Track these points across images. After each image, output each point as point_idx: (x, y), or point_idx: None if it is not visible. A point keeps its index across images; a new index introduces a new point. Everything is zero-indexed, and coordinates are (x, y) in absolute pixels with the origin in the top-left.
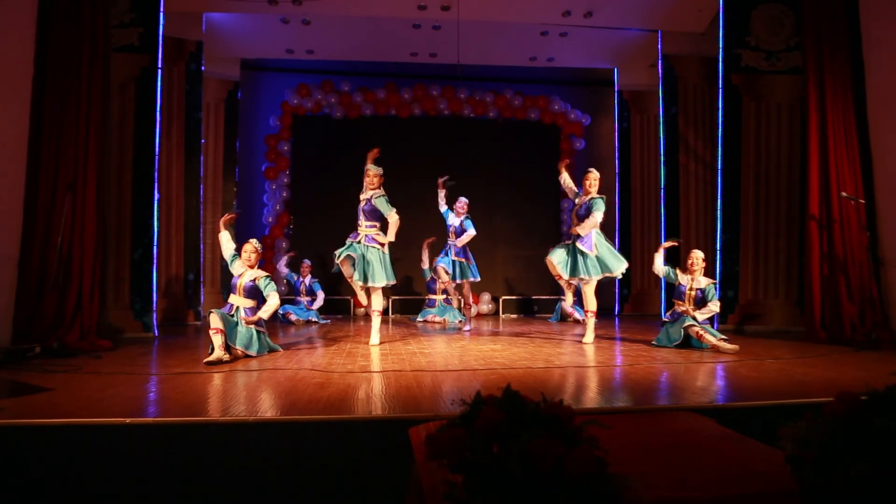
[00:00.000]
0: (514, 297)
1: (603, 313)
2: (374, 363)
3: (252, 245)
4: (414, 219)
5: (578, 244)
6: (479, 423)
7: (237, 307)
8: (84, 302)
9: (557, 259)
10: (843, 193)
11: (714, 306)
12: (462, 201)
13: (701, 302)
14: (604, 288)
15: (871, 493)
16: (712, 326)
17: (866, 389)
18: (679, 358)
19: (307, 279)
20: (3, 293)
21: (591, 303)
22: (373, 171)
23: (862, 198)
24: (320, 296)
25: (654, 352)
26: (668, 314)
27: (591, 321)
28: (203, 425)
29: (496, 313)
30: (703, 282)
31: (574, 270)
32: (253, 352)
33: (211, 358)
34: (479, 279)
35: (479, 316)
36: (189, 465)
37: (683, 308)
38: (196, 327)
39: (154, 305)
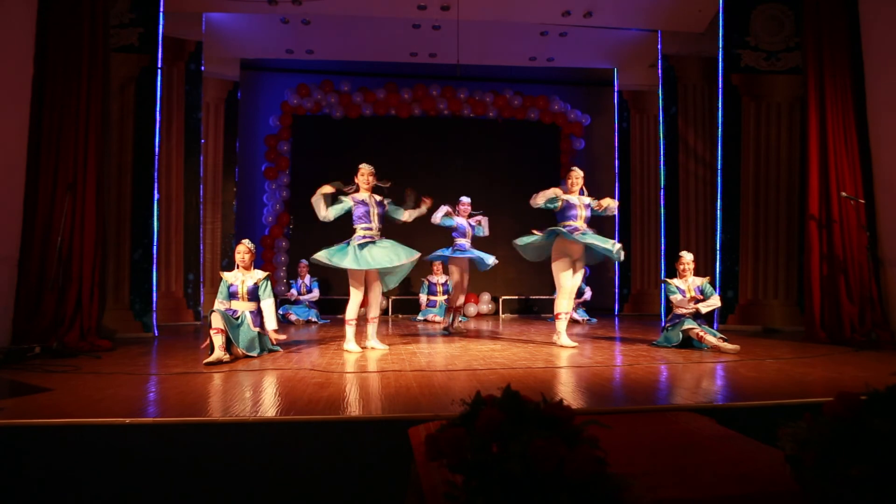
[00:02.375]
0: (514, 297)
1: (603, 313)
2: (374, 363)
3: (245, 245)
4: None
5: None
6: (479, 423)
7: (242, 312)
8: (84, 302)
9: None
10: (843, 193)
11: (715, 300)
12: (465, 201)
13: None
14: (603, 288)
15: (871, 493)
16: (712, 326)
17: (866, 389)
18: (679, 358)
19: (306, 279)
20: (3, 293)
21: (572, 302)
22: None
23: (862, 198)
24: (315, 292)
25: (654, 352)
26: (667, 319)
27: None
28: (203, 425)
29: (496, 313)
30: (697, 281)
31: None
32: (254, 353)
33: (211, 358)
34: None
35: (479, 316)
36: (189, 465)
37: (685, 310)
38: (196, 327)
39: (154, 305)
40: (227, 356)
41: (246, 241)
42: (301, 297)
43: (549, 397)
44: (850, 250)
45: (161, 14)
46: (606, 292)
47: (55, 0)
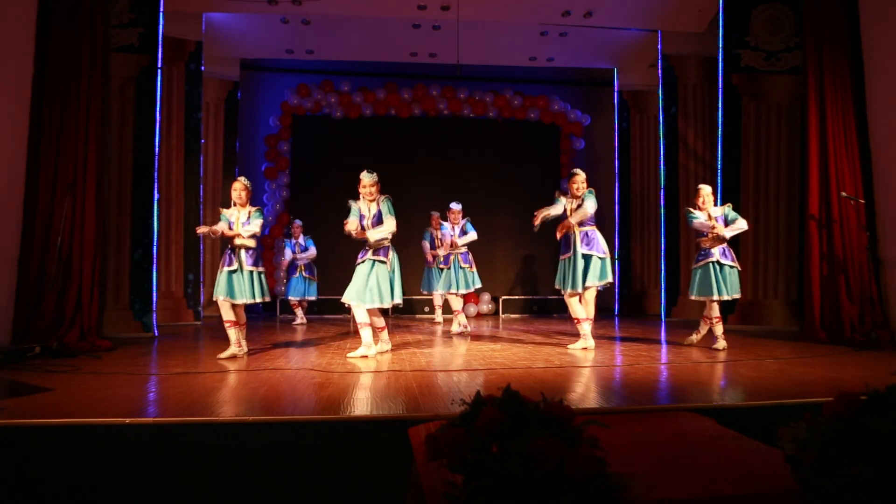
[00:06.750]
0: (514, 297)
1: (603, 313)
2: (374, 363)
3: (241, 182)
4: (413, 218)
5: (584, 249)
6: (479, 423)
7: (238, 250)
8: (84, 302)
9: (568, 285)
10: (843, 193)
11: (742, 223)
12: (455, 208)
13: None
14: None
15: (871, 493)
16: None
17: (866, 389)
18: (679, 358)
19: (300, 238)
20: (3, 293)
21: (592, 309)
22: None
23: (861, 198)
24: (312, 249)
25: (654, 351)
26: (697, 258)
27: (588, 326)
28: (203, 425)
29: (496, 313)
30: (717, 211)
31: (584, 279)
32: (257, 298)
33: (225, 354)
34: (478, 286)
35: (479, 316)
36: (189, 465)
37: (709, 243)
38: (196, 327)
39: (154, 305)
40: (242, 351)
41: (242, 178)
42: (298, 257)
43: (549, 397)
44: (850, 250)
45: (161, 14)
46: (606, 292)
47: (55, 0)
